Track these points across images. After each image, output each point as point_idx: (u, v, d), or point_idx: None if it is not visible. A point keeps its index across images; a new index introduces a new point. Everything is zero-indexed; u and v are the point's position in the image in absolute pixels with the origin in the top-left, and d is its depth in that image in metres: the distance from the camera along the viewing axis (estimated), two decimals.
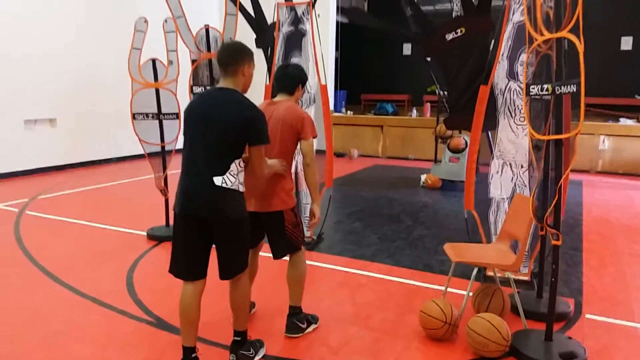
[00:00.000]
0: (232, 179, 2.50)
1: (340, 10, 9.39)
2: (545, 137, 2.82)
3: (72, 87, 8.92)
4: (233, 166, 2.50)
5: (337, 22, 11.48)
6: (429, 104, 11.71)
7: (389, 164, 10.42)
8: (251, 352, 2.77)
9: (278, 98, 3.15)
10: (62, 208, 6.21)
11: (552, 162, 2.83)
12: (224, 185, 2.48)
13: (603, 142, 9.48)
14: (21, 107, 8.19)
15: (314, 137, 3.07)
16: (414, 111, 11.76)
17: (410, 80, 13.70)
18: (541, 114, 3.10)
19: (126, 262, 4.34)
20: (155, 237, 4.98)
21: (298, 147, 3.11)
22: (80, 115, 9.12)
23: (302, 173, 4.71)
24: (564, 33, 2.57)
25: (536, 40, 2.78)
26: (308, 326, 3.17)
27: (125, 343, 2.99)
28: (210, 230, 2.55)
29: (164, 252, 4.66)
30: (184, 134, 2.59)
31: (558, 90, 2.64)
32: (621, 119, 10.05)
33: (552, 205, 2.72)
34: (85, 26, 9.04)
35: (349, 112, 12.34)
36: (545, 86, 2.72)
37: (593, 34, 11.07)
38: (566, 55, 2.69)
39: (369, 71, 14.59)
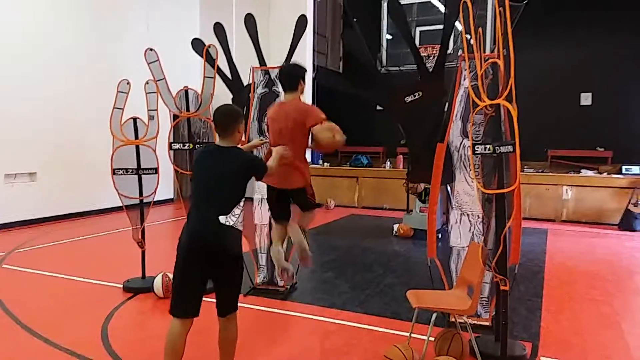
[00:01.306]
0: (233, 218, 2.88)
1: (313, 71, 9.94)
2: (490, 191, 3.12)
3: (52, 141, 9.08)
4: (236, 209, 2.91)
5: (314, 80, 12.03)
6: (401, 156, 12.16)
7: (364, 214, 10.70)
8: None
9: (287, 97, 3.83)
10: (39, 261, 6.27)
11: (497, 213, 3.11)
12: (227, 223, 2.84)
13: (566, 192, 9.94)
14: (1, 160, 8.33)
15: (322, 118, 3.65)
16: (388, 163, 12.19)
17: (383, 133, 14.20)
18: (493, 170, 3.43)
19: (102, 314, 4.42)
20: (131, 289, 5.07)
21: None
22: (60, 169, 9.25)
23: None
24: (500, 100, 2.92)
25: (479, 105, 3.14)
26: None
27: None
28: (211, 267, 2.86)
29: (139, 304, 4.77)
30: (192, 182, 3.05)
31: (498, 150, 2.97)
32: (582, 170, 10.59)
33: (498, 253, 2.99)
34: (65, 81, 9.31)
35: (325, 163, 12.72)
36: (487, 146, 3.05)
37: (555, 91, 11.86)
38: (508, 118, 3.04)
39: (345, 125, 14.90)
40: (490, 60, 3.07)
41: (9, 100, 8.40)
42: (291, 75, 3.79)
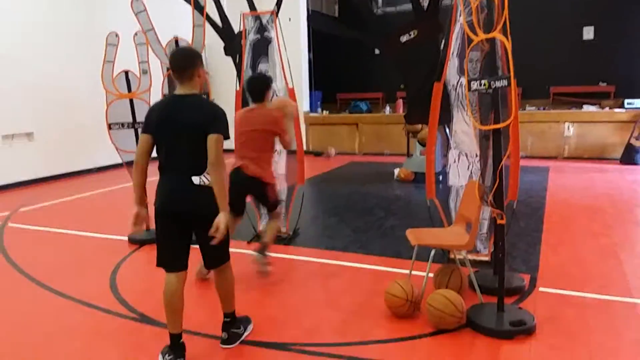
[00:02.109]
0: (209, 177, 2.69)
1: (308, 17, 9.67)
2: (485, 127, 3.11)
3: (48, 101, 9.03)
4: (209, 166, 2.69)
5: (309, 26, 11.74)
6: (401, 100, 12.04)
7: (365, 160, 10.72)
8: (241, 329, 3.08)
9: (254, 105, 4.05)
10: (44, 219, 6.36)
11: (493, 149, 3.11)
12: (201, 183, 2.69)
13: (568, 128, 9.89)
14: None
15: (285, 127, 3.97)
16: (388, 108, 12.08)
17: (383, 78, 14.00)
18: (490, 107, 3.40)
19: (109, 266, 4.54)
20: (136, 241, 5.18)
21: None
22: (57, 128, 9.24)
23: (275, 173, 5.01)
24: (495, 34, 2.86)
25: (473, 40, 3.07)
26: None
27: (111, 337, 3.22)
28: (190, 226, 2.76)
29: (145, 255, 4.88)
30: (156, 139, 2.73)
31: (493, 85, 2.93)
32: (584, 106, 10.48)
33: (494, 188, 3.01)
34: (57, 40, 9.17)
35: (325, 111, 12.62)
36: (482, 81, 3.01)
37: (556, 25, 11.57)
38: (504, 52, 2.98)
39: (343, 71, 14.86)
40: None
41: (3, 62, 8.28)
42: (257, 89, 4.00)
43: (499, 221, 3.11)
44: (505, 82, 2.81)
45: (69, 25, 9.39)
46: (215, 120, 2.69)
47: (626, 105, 9.91)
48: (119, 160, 5.18)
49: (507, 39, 2.75)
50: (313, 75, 12.68)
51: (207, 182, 2.69)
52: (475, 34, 3.08)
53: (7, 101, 8.40)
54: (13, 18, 8.45)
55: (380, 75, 14.26)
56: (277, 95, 4.98)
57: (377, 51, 14.54)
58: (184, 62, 2.74)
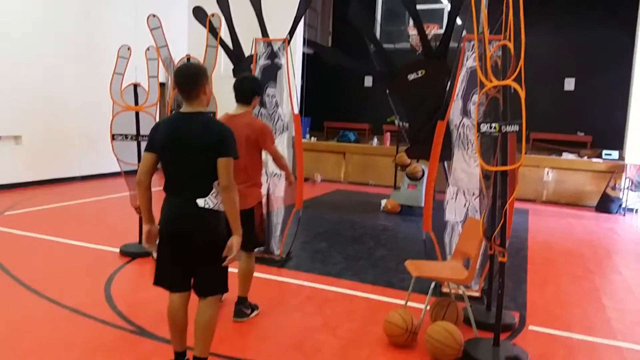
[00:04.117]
0: (214, 199, 2.63)
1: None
2: (493, 168, 3.27)
3: (37, 105, 8.95)
4: (213, 188, 2.63)
5: (303, 53, 11.98)
6: (389, 134, 12.30)
7: (351, 189, 10.86)
8: None
9: (237, 109, 3.58)
10: (32, 224, 6.25)
11: (499, 189, 3.27)
12: (206, 206, 2.61)
13: (547, 174, 10.24)
14: None
15: (273, 144, 3.65)
16: (375, 139, 12.32)
17: (371, 110, 14.31)
18: (490, 148, 3.57)
19: (102, 277, 4.49)
20: (128, 254, 5.14)
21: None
22: (45, 133, 9.15)
23: (274, 195, 5.08)
24: (509, 81, 3.04)
25: (486, 85, 3.25)
26: (251, 312, 3.77)
27: (111, 349, 3.19)
28: (191, 250, 2.66)
29: (138, 268, 4.85)
30: (160, 158, 2.67)
31: (504, 129, 3.10)
32: (564, 153, 10.90)
33: (499, 226, 3.15)
34: (52, 45, 9.16)
35: (313, 138, 12.78)
36: (493, 125, 3.18)
37: (539, 75, 12.08)
38: (511, 99, 3.16)
39: (332, 100, 15.13)
40: (500, 43, 3.17)
41: None
42: (247, 89, 3.56)
43: (500, 259, 3.24)
44: (516, 127, 2.99)
45: (63, 32, 9.39)
46: (224, 141, 2.60)
47: (604, 156, 10.35)
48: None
49: (522, 87, 2.93)
50: (304, 102, 12.87)
51: (211, 205, 2.62)
52: (488, 79, 3.27)
53: None
54: (7, 21, 8.41)
55: (368, 107, 14.57)
56: (282, 120, 5.10)
57: (367, 84, 14.93)
58: (190, 78, 2.64)
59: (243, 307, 3.72)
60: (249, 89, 3.57)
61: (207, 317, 2.72)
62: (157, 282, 2.81)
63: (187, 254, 2.69)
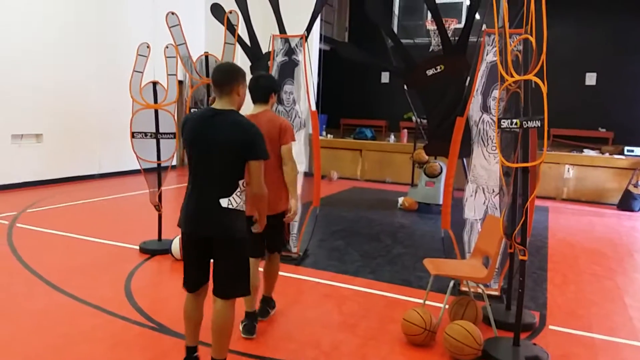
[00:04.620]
0: (237, 199, 2.61)
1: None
2: (514, 165, 3.22)
3: (58, 103, 9.09)
4: (238, 187, 2.61)
5: (320, 49, 11.96)
6: (405, 130, 12.23)
7: (367, 187, 10.82)
8: None
9: (256, 109, 3.47)
10: (52, 221, 6.35)
11: (519, 187, 3.21)
12: (229, 206, 2.58)
13: (568, 171, 10.08)
14: (7, 121, 8.33)
15: (292, 141, 3.45)
16: (392, 136, 12.25)
17: (387, 107, 14.25)
18: (511, 144, 3.51)
19: (122, 273, 4.54)
20: (147, 251, 5.19)
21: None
22: (66, 132, 9.29)
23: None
24: (530, 76, 2.99)
25: (507, 80, 3.20)
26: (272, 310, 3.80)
27: (131, 345, 3.23)
28: (212, 249, 2.66)
29: (158, 265, 4.89)
30: (188, 154, 2.68)
31: (525, 125, 3.05)
32: (585, 150, 10.72)
33: (520, 224, 3.10)
34: (72, 45, 9.28)
35: (329, 135, 12.76)
36: (514, 121, 3.13)
37: (560, 70, 11.89)
38: (532, 94, 3.11)
39: (349, 97, 15.10)
40: (521, 36, 3.11)
41: (14, 62, 8.35)
42: (264, 87, 3.46)
43: (520, 257, 3.19)
44: (538, 123, 2.93)
45: (83, 31, 9.51)
46: (255, 143, 2.59)
47: (626, 153, 10.15)
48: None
49: (544, 82, 2.88)
50: (320, 99, 12.85)
51: (234, 205, 2.60)
52: (508, 73, 3.22)
53: (18, 102, 8.44)
54: (27, 20, 8.53)
55: (385, 104, 14.51)
56: (299, 117, 5.10)
57: (383, 80, 14.85)
58: (226, 74, 2.67)
59: (268, 307, 3.74)
60: (265, 86, 3.49)
61: (224, 319, 2.68)
62: (184, 284, 2.81)
63: (207, 253, 2.69)
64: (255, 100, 3.51)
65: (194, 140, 2.63)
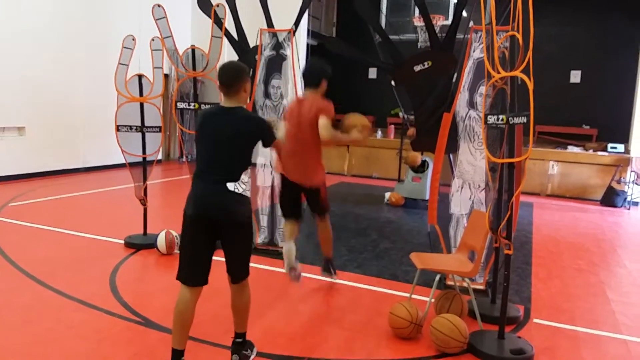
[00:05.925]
0: (242, 185, 2.78)
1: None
2: (500, 161, 3.25)
3: (41, 96, 8.95)
4: (244, 175, 2.82)
5: (307, 44, 11.93)
6: (392, 126, 12.25)
7: (354, 182, 10.84)
8: (249, 352, 3.01)
9: (307, 93, 3.85)
10: (36, 215, 6.27)
11: (505, 182, 3.25)
12: (236, 191, 2.74)
13: (552, 167, 10.20)
14: None
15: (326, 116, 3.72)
16: (379, 132, 12.28)
17: (374, 102, 14.26)
18: (497, 140, 3.55)
19: (107, 268, 4.50)
20: (132, 245, 5.14)
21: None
22: (49, 125, 9.16)
23: (278, 187, 5.06)
24: (517, 73, 3.01)
25: (493, 77, 3.22)
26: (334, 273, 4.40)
27: (117, 339, 3.20)
28: (218, 234, 2.75)
29: (143, 259, 4.86)
30: (197, 145, 2.87)
31: (511, 121, 3.08)
32: (569, 147, 10.85)
33: (505, 219, 3.14)
34: (55, 36, 9.15)
35: None
36: (500, 117, 3.16)
37: (545, 68, 11.98)
38: (519, 90, 3.14)
39: (336, 92, 15.01)
40: (508, 33, 3.14)
41: None
42: (313, 72, 3.77)
43: (506, 251, 3.23)
44: (524, 119, 2.96)
45: (67, 22, 9.37)
46: (265, 130, 2.93)
47: (609, 149, 10.29)
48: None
49: (530, 79, 2.90)
50: None
51: (240, 190, 2.76)
52: (495, 70, 3.24)
53: (0, 94, 8.29)
54: (11, 13, 8.39)
55: (372, 99, 14.52)
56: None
57: (370, 75, 14.87)
58: (232, 76, 2.82)
59: (330, 266, 4.33)
60: (316, 70, 3.79)
61: (245, 300, 2.93)
62: (179, 277, 2.78)
63: (211, 241, 2.76)
64: (306, 86, 3.88)
65: (205, 131, 2.83)
